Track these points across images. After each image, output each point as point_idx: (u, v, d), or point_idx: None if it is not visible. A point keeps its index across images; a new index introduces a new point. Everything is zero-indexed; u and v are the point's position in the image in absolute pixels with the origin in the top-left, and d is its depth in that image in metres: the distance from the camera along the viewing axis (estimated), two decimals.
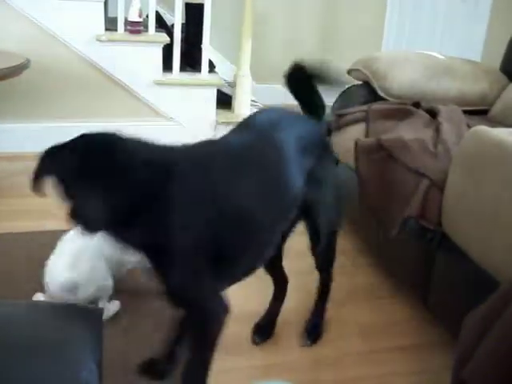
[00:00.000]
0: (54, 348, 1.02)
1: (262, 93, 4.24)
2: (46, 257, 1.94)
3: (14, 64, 2.67)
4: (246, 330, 1.99)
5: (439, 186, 1.89)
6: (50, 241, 2.03)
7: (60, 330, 1.08)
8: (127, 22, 3.55)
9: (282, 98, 4.59)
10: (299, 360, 1.90)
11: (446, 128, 2.21)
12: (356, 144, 2.30)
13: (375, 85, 2.70)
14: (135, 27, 3.54)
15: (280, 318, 2.04)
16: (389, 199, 2.07)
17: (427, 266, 1.96)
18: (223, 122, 3.72)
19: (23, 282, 2.07)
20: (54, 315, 1.16)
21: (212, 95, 3.70)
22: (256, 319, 2.02)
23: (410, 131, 2.23)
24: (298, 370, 1.85)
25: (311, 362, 1.89)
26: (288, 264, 2.03)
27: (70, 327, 1.09)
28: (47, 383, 0.93)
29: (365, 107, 2.57)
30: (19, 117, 3.47)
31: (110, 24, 3.57)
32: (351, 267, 2.46)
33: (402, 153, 2.08)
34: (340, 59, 4.75)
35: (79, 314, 1.16)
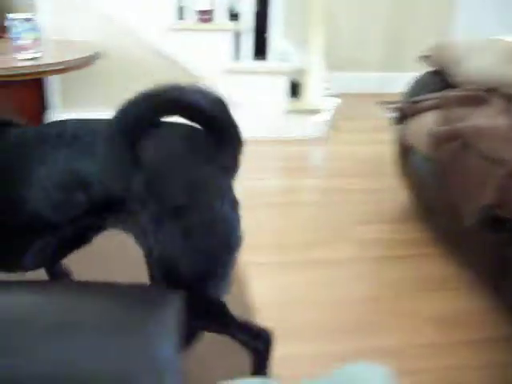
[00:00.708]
0: (132, 327, 1.04)
1: (333, 81, 4.20)
2: None
3: (87, 54, 2.72)
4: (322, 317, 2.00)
5: None
6: None
7: (138, 310, 1.10)
8: (198, 11, 3.58)
9: (356, 85, 4.59)
10: (366, 349, 1.88)
11: None
12: (431, 133, 2.24)
13: (449, 71, 2.62)
14: (206, 16, 3.56)
15: (351, 308, 2.02)
16: (465, 188, 2.01)
17: (503, 256, 1.90)
18: (293, 111, 3.70)
19: None
20: (131, 296, 1.18)
21: (282, 83, 3.68)
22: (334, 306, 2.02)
23: (486, 119, 2.16)
24: (361, 360, 1.82)
25: (380, 351, 1.86)
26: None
27: (149, 308, 1.11)
28: (130, 359, 0.94)
29: (438, 94, 2.50)
30: (90, 106, 3.56)
31: (181, 13, 3.60)
32: (422, 257, 2.40)
33: (478, 141, 2.02)
34: (408, 46, 4.71)
35: (157, 295, 1.18)
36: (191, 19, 3.58)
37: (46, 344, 0.95)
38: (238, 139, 1.30)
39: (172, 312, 1.14)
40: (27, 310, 1.04)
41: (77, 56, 2.66)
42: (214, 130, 1.27)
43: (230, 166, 1.32)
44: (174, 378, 0.97)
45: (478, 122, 2.13)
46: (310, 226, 2.64)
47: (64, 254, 1.55)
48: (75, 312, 1.04)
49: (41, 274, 1.75)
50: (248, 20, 3.63)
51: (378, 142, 3.61)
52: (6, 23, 2.53)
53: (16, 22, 2.49)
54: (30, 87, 3.41)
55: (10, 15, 2.51)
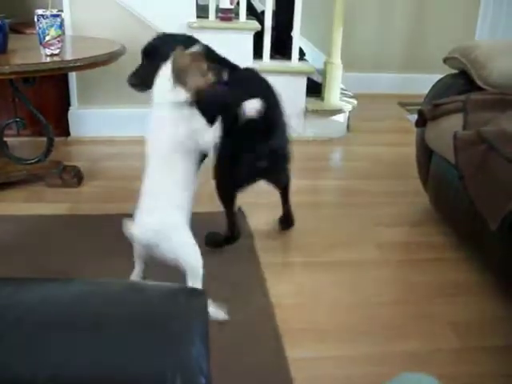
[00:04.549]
0: (160, 326, 1.03)
1: (350, 81, 4.19)
2: None
3: (111, 50, 2.73)
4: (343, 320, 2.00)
5: None
6: None
7: (165, 309, 1.10)
8: (218, 9, 3.58)
9: (371, 86, 4.58)
10: (390, 353, 1.87)
11: None
12: (455, 136, 2.23)
13: (473, 74, 2.60)
14: (226, 14, 3.57)
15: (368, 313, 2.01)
16: (490, 192, 2.00)
17: None
18: (313, 110, 3.70)
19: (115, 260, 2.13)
20: (158, 295, 1.18)
21: (302, 83, 3.68)
22: (354, 309, 2.00)
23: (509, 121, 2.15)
24: (383, 364, 1.82)
25: (404, 356, 1.86)
26: None
27: (176, 307, 1.11)
28: (158, 359, 0.94)
29: (462, 97, 2.48)
30: (106, 103, 3.57)
31: (201, 11, 3.60)
32: (443, 262, 2.40)
33: (504, 145, 2.00)
34: (429, 46, 4.70)
35: (184, 294, 1.17)
36: (212, 17, 3.58)
37: (75, 346, 0.95)
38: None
39: (199, 311, 1.15)
40: (52, 310, 1.04)
41: (102, 52, 2.67)
42: None
43: None
44: (203, 377, 0.97)
45: (503, 126, 2.11)
46: (329, 228, 2.64)
47: None
48: (101, 312, 1.04)
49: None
50: (267, 19, 3.62)
51: (398, 144, 3.61)
52: (34, 18, 2.54)
53: (43, 18, 2.50)
54: (56, 83, 3.43)
55: (38, 11, 2.52)
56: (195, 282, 1.85)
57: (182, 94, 1.85)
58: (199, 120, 1.91)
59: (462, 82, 2.67)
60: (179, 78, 1.83)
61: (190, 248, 1.86)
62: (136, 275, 1.98)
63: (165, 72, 1.86)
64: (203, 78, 1.86)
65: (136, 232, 1.80)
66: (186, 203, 1.92)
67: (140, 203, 1.88)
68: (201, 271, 1.85)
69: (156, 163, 1.91)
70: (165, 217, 1.84)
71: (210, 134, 1.93)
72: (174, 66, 1.83)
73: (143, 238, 1.82)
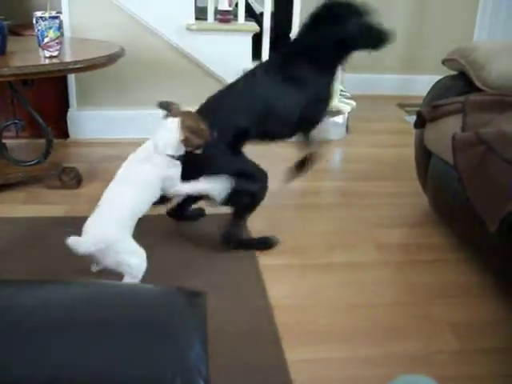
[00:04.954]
0: (159, 329, 1.03)
1: (350, 83, 4.19)
2: None
3: (110, 52, 2.72)
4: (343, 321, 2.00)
5: None
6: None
7: (164, 311, 1.09)
8: (217, 11, 3.58)
9: (370, 87, 4.58)
10: (390, 355, 1.87)
11: None
12: (454, 138, 2.23)
13: (472, 75, 2.60)
14: (225, 16, 3.57)
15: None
16: (489, 194, 2.00)
17: None
18: None
19: None
20: (156, 297, 1.18)
21: None
22: (355, 310, 2.02)
23: (511, 124, 2.14)
24: (383, 365, 1.82)
25: (405, 357, 1.85)
26: None
27: (175, 309, 1.10)
28: (157, 362, 0.94)
29: (461, 98, 2.48)
30: (104, 105, 3.57)
31: (200, 13, 3.60)
32: (443, 263, 2.39)
33: (503, 146, 2.00)
34: (428, 48, 4.69)
35: (183, 297, 1.17)
36: (211, 19, 3.58)
37: (74, 348, 0.95)
38: None
39: (198, 313, 1.14)
40: (52, 312, 1.03)
41: (101, 54, 2.66)
42: None
43: None
44: (202, 380, 0.97)
45: (502, 127, 2.11)
46: (329, 229, 2.63)
47: None
48: (100, 314, 1.04)
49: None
50: (266, 21, 3.62)
51: (397, 145, 3.61)
52: (33, 20, 2.54)
53: (42, 20, 2.50)
54: (55, 85, 3.43)
55: (37, 13, 2.52)
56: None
57: (182, 149, 2.06)
58: (177, 171, 2.09)
59: (461, 84, 2.66)
60: (187, 137, 2.03)
61: (130, 260, 1.96)
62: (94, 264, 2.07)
63: (172, 125, 2.04)
64: (202, 138, 2.06)
65: (79, 247, 1.90)
66: (130, 220, 2.02)
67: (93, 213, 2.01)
68: (139, 277, 1.96)
69: (121, 179, 2.07)
70: (106, 231, 1.95)
71: (186, 187, 2.13)
72: (183, 126, 2.03)
73: (85, 251, 1.91)
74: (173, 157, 2.06)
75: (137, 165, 2.07)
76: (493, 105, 2.37)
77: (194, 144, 2.05)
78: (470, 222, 2.22)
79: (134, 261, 1.95)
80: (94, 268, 2.04)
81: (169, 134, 2.04)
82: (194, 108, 2.21)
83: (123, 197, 2.02)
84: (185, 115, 2.07)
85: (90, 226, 1.96)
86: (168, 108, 2.08)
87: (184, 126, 2.03)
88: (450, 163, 2.28)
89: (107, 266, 1.96)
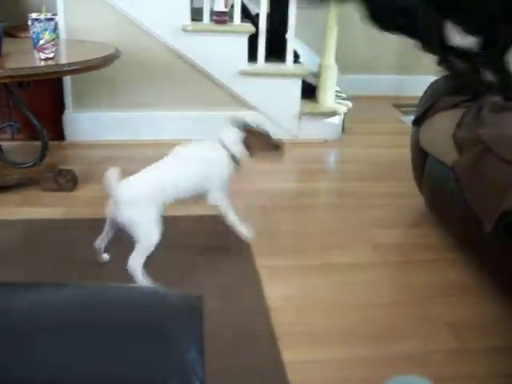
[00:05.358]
0: (156, 330, 1.03)
1: (346, 83, 4.19)
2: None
3: (106, 54, 2.72)
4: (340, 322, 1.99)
5: None
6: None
7: (161, 313, 1.09)
8: (213, 12, 3.58)
9: (366, 88, 4.58)
10: (388, 355, 1.86)
11: None
12: (451, 137, 2.23)
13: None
14: (221, 17, 3.57)
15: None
16: (485, 193, 2.00)
17: None
18: (308, 113, 3.70)
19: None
20: (154, 300, 1.17)
21: (297, 85, 3.67)
22: (351, 311, 2.01)
23: (508, 124, 2.15)
24: (381, 366, 1.82)
25: (403, 357, 1.85)
26: None
27: (172, 311, 1.10)
28: (154, 363, 0.94)
29: (456, 99, 2.49)
30: (105, 106, 3.57)
31: (196, 14, 3.60)
32: (440, 263, 2.39)
33: (500, 146, 2.00)
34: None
35: (180, 299, 1.17)
36: (206, 20, 3.58)
37: (72, 349, 0.94)
38: None
39: (195, 315, 1.14)
40: (48, 314, 1.03)
41: (97, 55, 2.66)
42: None
43: None
44: (198, 381, 0.96)
45: (499, 127, 2.11)
46: (326, 230, 2.63)
47: None
48: (97, 316, 1.03)
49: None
50: (262, 22, 3.62)
51: (393, 146, 3.61)
52: (28, 22, 2.53)
53: (37, 22, 2.49)
54: (50, 87, 3.42)
55: (32, 15, 2.51)
56: (136, 254, 1.98)
57: (244, 153, 2.21)
58: (227, 174, 2.21)
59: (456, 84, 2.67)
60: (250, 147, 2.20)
61: (144, 227, 1.99)
62: (100, 238, 2.14)
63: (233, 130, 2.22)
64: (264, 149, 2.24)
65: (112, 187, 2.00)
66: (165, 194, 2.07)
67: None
68: (147, 251, 1.99)
69: (174, 159, 2.15)
70: (136, 190, 2.02)
71: (224, 201, 2.22)
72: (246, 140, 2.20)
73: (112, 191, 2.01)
74: (234, 157, 2.17)
75: (202, 150, 2.19)
76: (489, 106, 2.37)
77: (256, 146, 2.20)
78: (467, 222, 2.22)
79: (149, 229, 1.99)
80: (101, 259, 2.13)
81: (234, 133, 2.19)
82: None
83: (173, 168, 2.12)
84: (250, 131, 2.23)
85: (131, 182, 2.03)
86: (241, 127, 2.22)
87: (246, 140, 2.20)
88: (446, 164, 2.28)
89: (122, 224, 2.00)
